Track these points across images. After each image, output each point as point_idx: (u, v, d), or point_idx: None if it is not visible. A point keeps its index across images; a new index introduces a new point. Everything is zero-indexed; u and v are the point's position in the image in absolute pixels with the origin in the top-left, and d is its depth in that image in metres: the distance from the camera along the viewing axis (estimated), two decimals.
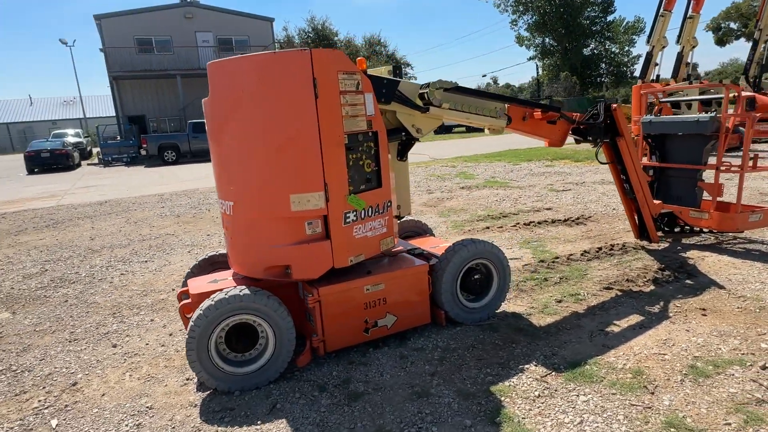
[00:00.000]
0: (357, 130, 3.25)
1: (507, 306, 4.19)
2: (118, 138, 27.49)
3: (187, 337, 3.00)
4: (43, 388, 3.38)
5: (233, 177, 3.26)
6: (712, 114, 5.17)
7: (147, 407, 3.05)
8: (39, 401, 3.21)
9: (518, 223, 7.03)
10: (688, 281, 4.52)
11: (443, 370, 3.22)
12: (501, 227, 6.94)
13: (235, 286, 3.17)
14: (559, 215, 7.39)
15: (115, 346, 3.97)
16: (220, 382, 3.10)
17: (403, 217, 4.26)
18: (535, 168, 12.76)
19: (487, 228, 6.95)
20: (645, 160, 6.03)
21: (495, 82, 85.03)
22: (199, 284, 3.53)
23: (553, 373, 3.10)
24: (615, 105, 4.85)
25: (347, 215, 3.25)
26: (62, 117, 50.13)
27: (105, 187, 15.22)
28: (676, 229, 5.89)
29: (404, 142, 3.99)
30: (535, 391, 2.92)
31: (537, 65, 47.29)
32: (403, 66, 48.79)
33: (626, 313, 3.94)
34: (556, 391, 2.91)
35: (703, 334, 3.49)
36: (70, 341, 4.11)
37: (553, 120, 4.58)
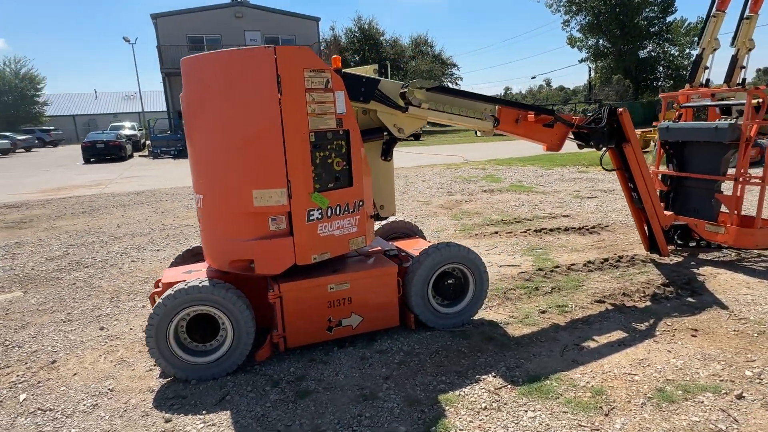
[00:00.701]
0: (325, 128, 3.24)
1: (487, 313, 4.07)
2: (168, 132, 28.80)
3: (146, 324, 3.10)
4: (25, 364, 3.59)
5: (202, 171, 3.34)
6: (732, 121, 4.81)
7: (109, 389, 3.17)
8: (17, 376, 3.41)
9: (529, 230, 6.81)
10: (689, 299, 4.23)
11: (398, 375, 3.16)
12: (510, 233, 6.74)
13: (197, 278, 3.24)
14: (574, 223, 7.10)
15: (102, 329, 4.15)
16: (178, 370, 3.18)
17: (386, 218, 4.21)
18: (567, 173, 12.32)
19: (496, 233, 6.77)
20: (663, 169, 5.69)
21: (548, 84, 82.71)
22: (172, 274, 3.64)
23: (509, 386, 2.98)
24: (621, 109, 4.59)
25: (311, 213, 3.25)
26: (123, 110, 53.14)
27: (147, 178, 15.98)
28: (692, 243, 5.51)
29: (388, 141, 3.95)
30: (484, 403, 2.81)
31: (589, 67, 45.59)
32: (449, 66, 48.32)
33: (610, 328, 3.73)
34: (505, 404, 2.80)
35: (685, 356, 3.25)
36: (64, 321, 4.34)
37: (549, 123, 4.40)
